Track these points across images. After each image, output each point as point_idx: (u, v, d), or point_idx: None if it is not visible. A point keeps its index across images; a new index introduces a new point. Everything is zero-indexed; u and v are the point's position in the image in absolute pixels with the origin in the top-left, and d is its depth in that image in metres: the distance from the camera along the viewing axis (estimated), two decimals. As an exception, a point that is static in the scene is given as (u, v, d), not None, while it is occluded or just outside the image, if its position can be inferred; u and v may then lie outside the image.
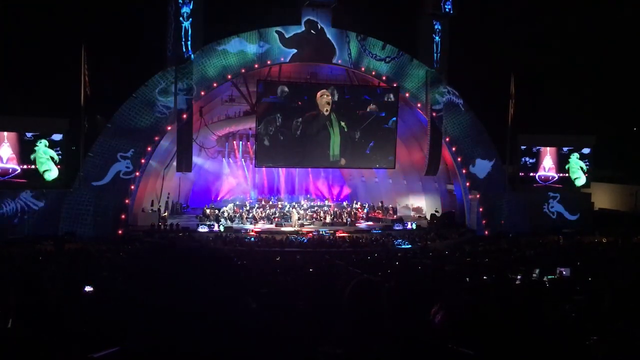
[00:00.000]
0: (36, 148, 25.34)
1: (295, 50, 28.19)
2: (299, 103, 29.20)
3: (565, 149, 32.36)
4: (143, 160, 26.23)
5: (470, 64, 32.44)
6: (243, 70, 27.88)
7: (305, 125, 29.43)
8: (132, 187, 26.19)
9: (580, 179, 32.53)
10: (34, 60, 29.39)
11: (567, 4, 36.74)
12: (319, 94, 29.43)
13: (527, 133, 31.69)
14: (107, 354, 1.53)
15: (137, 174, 26.14)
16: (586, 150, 32.47)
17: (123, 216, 25.80)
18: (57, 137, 25.74)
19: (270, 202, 33.03)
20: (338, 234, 27.69)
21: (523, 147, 31.88)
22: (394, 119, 30.27)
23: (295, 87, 29.41)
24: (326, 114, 29.58)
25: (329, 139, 29.92)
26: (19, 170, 25.22)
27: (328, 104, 29.53)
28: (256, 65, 27.97)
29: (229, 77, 27.72)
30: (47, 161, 25.55)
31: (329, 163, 31.12)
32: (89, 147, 25.54)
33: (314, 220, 30.30)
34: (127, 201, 26.03)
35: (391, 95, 30.11)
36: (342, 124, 29.90)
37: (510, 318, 4.18)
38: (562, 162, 32.46)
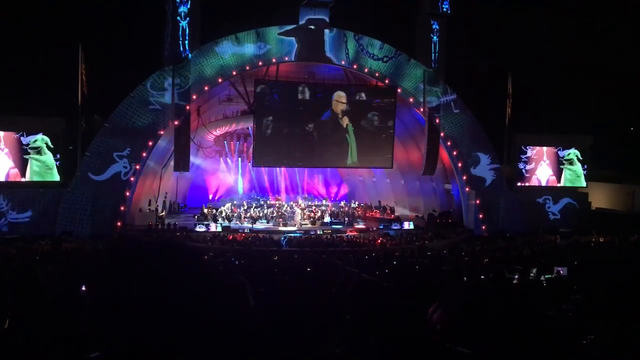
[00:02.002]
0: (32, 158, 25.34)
1: (296, 46, 28.17)
2: (297, 102, 29.15)
3: (562, 148, 32.39)
4: (140, 160, 26.19)
5: (467, 63, 32.46)
6: (241, 70, 27.84)
7: (308, 125, 29.35)
8: (130, 186, 26.16)
9: (576, 180, 32.60)
10: (31, 60, 29.30)
11: (565, 3, 36.81)
12: (338, 97, 29.42)
13: (525, 133, 31.74)
14: (105, 354, 1.53)
15: (135, 173, 26.10)
16: (577, 152, 32.57)
17: (120, 216, 25.78)
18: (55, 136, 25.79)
19: (268, 202, 33.07)
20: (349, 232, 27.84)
21: (521, 147, 31.90)
22: (392, 118, 30.26)
23: (292, 86, 29.37)
24: (343, 124, 29.59)
25: (348, 146, 29.93)
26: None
27: (343, 111, 29.53)
28: (254, 65, 27.95)
29: (227, 76, 27.68)
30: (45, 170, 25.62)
31: (341, 165, 31.29)
32: (86, 146, 25.51)
33: (312, 219, 30.32)
34: (124, 201, 25.99)
35: (389, 95, 30.09)
36: (351, 125, 29.94)
37: (507, 317, 4.18)
38: (558, 163, 32.51)
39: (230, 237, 25.69)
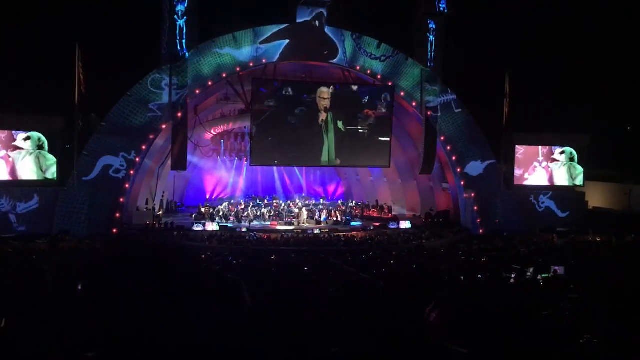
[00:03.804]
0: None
1: (287, 41, 28.07)
2: (294, 102, 29.14)
3: (559, 147, 32.41)
4: (138, 159, 26.18)
5: (465, 63, 32.47)
6: (238, 69, 27.81)
7: (300, 124, 29.34)
8: (127, 185, 26.15)
9: (573, 179, 32.58)
10: (28, 58, 29.24)
11: (562, 3, 36.86)
12: (320, 93, 29.31)
13: (522, 132, 31.76)
14: (100, 354, 1.52)
15: (132, 172, 26.10)
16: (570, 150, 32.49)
17: (117, 215, 25.77)
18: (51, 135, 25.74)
19: (266, 201, 33.09)
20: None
21: (517, 146, 31.92)
22: (389, 117, 30.28)
23: (290, 85, 29.34)
24: (322, 118, 29.49)
25: (322, 144, 29.84)
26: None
27: (326, 108, 29.44)
28: (251, 64, 27.92)
29: (224, 75, 27.65)
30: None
31: (322, 164, 31.18)
32: (83, 145, 25.48)
33: (315, 219, 30.42)
34: (121, 200, 25.98)
35: (386, 94, 30.11)
36: (340, 124, 29.84)
37: (504, 316, 4.18)
38: (555, 162, 32.51)
39: (228, 236, 25.71)
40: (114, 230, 25.33)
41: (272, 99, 28.57)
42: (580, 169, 32.60)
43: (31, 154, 25.41)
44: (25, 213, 24.97)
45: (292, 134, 29.15)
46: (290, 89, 28.89)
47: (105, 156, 25.57)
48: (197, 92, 27.14)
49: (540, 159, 32.30)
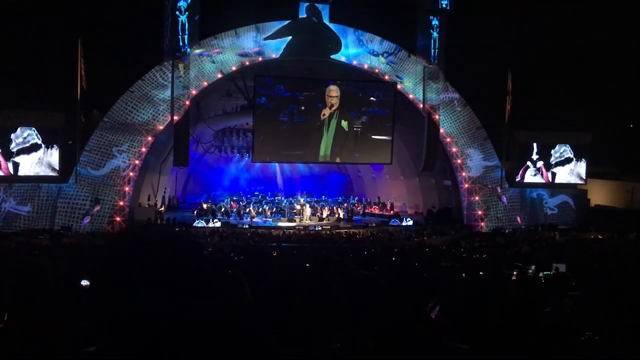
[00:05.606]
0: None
1: (289, 38, 28.05)
2: (296, 98, 29.12)
3: (559, 145, 32.29)
4: (140, 155, 26.20)
5: (468, 60, 32.40)
6: (240, 65, 27.79)
7: (292, 122, 29.30)
8: (129, 181, 26.17)
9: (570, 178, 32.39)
10: (29, 54, 29.25)
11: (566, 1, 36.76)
12: (329, 92, 29.28)
13: (524, 129, 31.68)
14: (101, 348, 1.53)
15: (134, 168, 26.12)
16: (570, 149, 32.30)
17: (119, 211, 25.80)
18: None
19: (267, 197, 33.10)
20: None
21: (520, 144, 31.81)
22: (391, 114, 30.24)
23: (292, 82, 29.32)
24: (326, 114, 29.47)
25: (321, 139, 29.83)
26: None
27: (332, 105, 29.42)
28: (253, 60, 27.91)
29: (226, 71, 27.62)
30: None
31: (320, 160, 31.17)
32: (85, 141, 25.50)
33: (318, 216, 30.45)
34: (123, 195, 26.01)
35: (389, 91, 30.07)
36: (344, 123, 29.79)
37: (505, 314, 4.19)
38: (556, 160, 32.37)
39: (229, 232, 25.74)
40: (116, 227, 25.38)
41: (263, 96, 28.56)
42: (582, 166, 32.34)
43: (31, 150, 25.37)
44: (26, 209, 24.97)
45: (285, 131, 29.12)
46: (282, 87, 28.86)
47: (113, 158, 25.58)
48: (199, 88, 27.13)
49: (535, 157, 31.97)
